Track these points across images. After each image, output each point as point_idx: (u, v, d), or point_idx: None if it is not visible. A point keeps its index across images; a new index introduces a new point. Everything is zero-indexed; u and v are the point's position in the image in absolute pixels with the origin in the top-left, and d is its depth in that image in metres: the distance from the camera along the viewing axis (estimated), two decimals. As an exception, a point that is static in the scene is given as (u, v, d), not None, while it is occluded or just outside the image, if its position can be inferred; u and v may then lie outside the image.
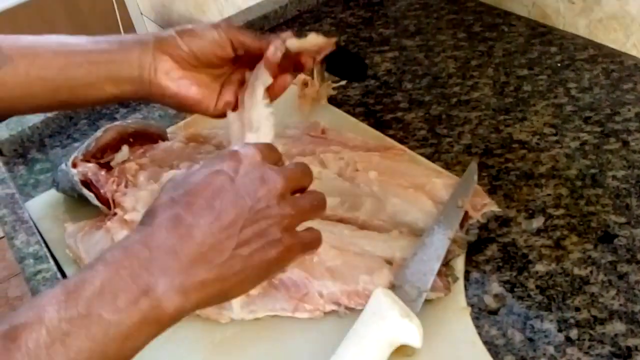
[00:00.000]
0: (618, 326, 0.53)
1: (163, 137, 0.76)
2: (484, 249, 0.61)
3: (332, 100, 0.82)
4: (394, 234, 0.61)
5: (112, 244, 0.59)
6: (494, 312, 0.56)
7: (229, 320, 0.58)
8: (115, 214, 0.66)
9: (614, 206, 0.63)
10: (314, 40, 0.64)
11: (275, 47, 0.61)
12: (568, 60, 0.83)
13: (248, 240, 0.44)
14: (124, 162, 0.71)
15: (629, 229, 0.60)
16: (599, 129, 0.72)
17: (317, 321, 0.57)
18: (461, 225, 0.61)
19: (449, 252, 0.58)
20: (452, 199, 0.62)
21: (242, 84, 0.65)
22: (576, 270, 0.58)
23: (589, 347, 0.52)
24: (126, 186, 0.68)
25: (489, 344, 0.53)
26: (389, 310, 0.51)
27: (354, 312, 0.56)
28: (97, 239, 0.64)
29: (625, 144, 0.69)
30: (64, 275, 0.65)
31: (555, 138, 0.72)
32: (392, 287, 0.56)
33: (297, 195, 0.48)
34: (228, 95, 0.64)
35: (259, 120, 0.62)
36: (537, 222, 0.63)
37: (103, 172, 0.69)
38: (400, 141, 0.75)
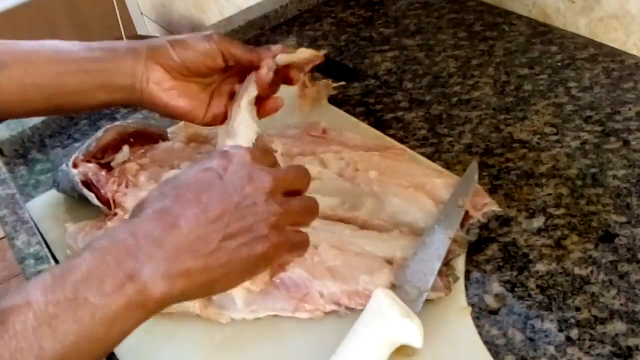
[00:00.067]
0: (619, 326, 0.53)
1: (164, 138, 0.76)
2: (485, 249, 0.61)
3: (332, 100, 0.82)
4: (395, 234, 0.61)
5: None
6: (495, 312, 0.56)
7: (229, 320, 0.58)
8: (116, 214, 0.66)
9: (615, 206, 0.63)
10: (303, 55, 0.66)
11: (268, 68, 0.63)
12: (569, 60, 0.83)
13: (234, 235, 0.44)
14: (124, 162, 0.71)
15: (630, 229, 0.60)
16: (599, 129, 0.72)
17: (318, 321, 0.57)
18: (462, 225, 0.61)
19: (449, 252, 0.58)
20: (452, 199, 0.62)
21: (232, 96, 0.66)
22: (577, 270, 0.58)
23: (590, 347, 0.52)
24: (127, 186, 0.68)
25: (490, 344, 0.53)
26: (389, 311, 0.51)
27: (354, 313, 0.56)
28: (98, 239, 0.64)
29: (626, 143, 0.69)
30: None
31: (556, 137, 0.72)
32: (393, 287, 0.56)
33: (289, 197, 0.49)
34: (217, 108, 0.66)
35: (239, 127, 0.62)
36: (538, 222, 0.63)
37: (104, 173, 0.69)
38: (401, 141, 0.75)
